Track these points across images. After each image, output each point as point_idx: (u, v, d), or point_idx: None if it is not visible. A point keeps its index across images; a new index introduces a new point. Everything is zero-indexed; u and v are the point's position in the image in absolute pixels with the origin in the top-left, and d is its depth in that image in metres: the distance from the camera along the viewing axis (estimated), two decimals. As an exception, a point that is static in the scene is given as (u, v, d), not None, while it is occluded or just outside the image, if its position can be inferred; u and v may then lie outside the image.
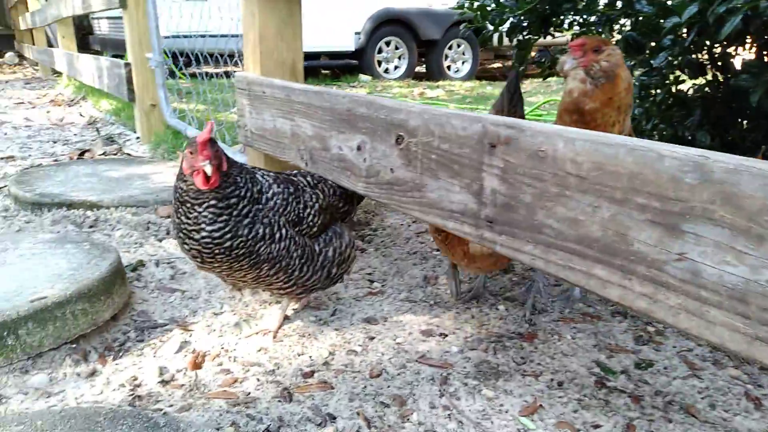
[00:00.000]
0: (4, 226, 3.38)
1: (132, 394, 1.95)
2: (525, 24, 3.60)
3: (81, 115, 7.23)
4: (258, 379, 2.03)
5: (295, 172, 2.41)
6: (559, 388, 2.01)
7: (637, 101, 3.05)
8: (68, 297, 2.13)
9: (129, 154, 5.20)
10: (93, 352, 2.18)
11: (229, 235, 1.97)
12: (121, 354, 2.19)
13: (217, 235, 1.96)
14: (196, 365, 2.11)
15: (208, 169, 1.89)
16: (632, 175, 1.24)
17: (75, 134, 6.13)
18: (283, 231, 2.10)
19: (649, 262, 1.25)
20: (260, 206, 2.06)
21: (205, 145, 1.91)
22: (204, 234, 1.96)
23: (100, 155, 4.98)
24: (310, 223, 2.22)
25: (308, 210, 2.22)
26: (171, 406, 1.89)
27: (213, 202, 1.95)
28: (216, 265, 2.04)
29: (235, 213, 1.98)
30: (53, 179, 3.92)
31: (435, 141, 1.76)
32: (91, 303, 2.21)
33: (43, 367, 2.07)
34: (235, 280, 2.19)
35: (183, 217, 1.99)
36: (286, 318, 2.45)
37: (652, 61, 2.86)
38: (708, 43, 2.81)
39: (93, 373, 2.06)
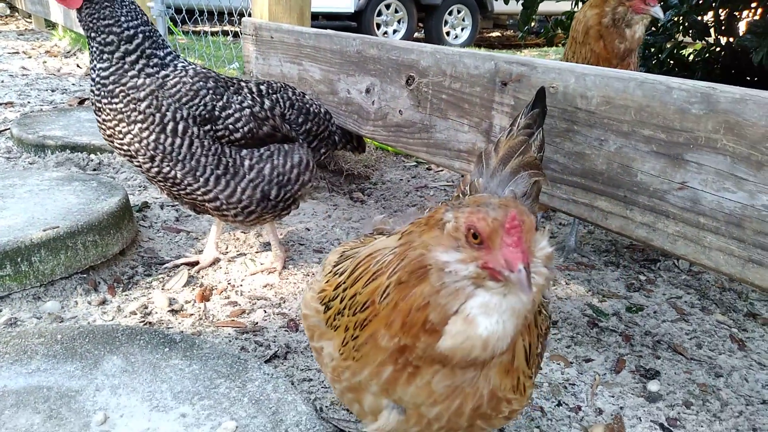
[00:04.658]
0: (8, 166, 3.40)
1: (143, 321, 2.02)
2: (532, -19, 3.61)
3: (78, 66, 7.15)
4: (265, 311, 2.11)
5: (255, 80, 2.22)
6: (552, 327, 2.10)
7: (641, 61, 3.09)
8: (79, 228, 2.18)
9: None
10: (102, 283, 2.24)
11: (111, 78, 1.89)
12: (130, 286, 2.25)
13: (104, 74, 1.90)
14: (204, 298, 2.17)
15: None
16: (640, 107, 1.30)
17: (73, 84, 6.08)
18: (181, 124, 1.91)
19: (651, 192, 1.32)
20: (154, 69, 1.92)
21: None
22: (95, 73, 1.92)
23: (99, 104, 4.97)
24: (231, 127, 1.98)
25: (230, 111, 1.98)
26: (181, 332, 1.96)
27: (93, 34, 1.89)
28: (104, 126, 1.97)
29: (117, 55, 1.88)
30: (55, 123, 3.92)
31: (446, 80, 1.80)
32: (101, 236, 2.26)
33: (55, 294, 2.13)
34: (147, 174, 2.10)
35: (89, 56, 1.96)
36: (291, 259, 2.51)
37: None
38: (714, 4, 2.84)
39: (103, 302, 2.13)
